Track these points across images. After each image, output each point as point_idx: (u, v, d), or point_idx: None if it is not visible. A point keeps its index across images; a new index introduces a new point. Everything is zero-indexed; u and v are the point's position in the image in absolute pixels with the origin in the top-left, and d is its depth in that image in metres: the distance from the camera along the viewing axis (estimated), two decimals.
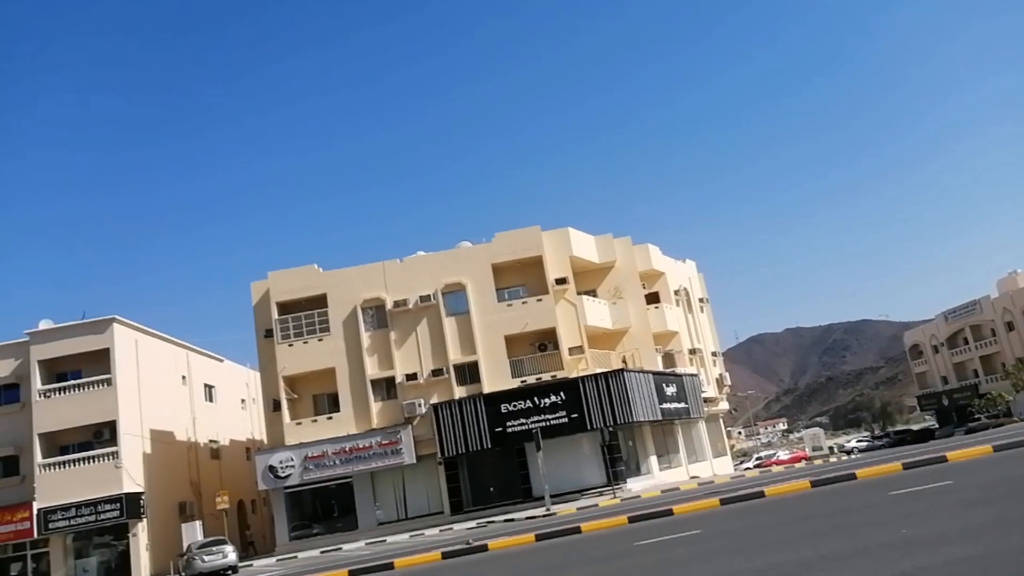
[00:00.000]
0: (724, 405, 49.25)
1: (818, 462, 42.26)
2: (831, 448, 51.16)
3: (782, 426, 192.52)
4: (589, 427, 33.80)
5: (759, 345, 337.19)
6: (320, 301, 36.55)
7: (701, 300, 48.24)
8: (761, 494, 16.83)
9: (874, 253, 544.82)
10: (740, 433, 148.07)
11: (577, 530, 16.96)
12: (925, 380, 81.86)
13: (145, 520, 35.06)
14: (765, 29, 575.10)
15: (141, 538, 34.78)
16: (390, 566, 17.12)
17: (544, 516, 28.20)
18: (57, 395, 35.07)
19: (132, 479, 34.92)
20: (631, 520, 16.86)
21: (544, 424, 33.21)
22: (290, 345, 36.04)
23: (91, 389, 35.07)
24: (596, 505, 29.26)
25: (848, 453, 53.54)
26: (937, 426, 71.03)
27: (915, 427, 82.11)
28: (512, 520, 29.34)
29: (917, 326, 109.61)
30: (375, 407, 35.56)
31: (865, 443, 70.34)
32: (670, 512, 16.61)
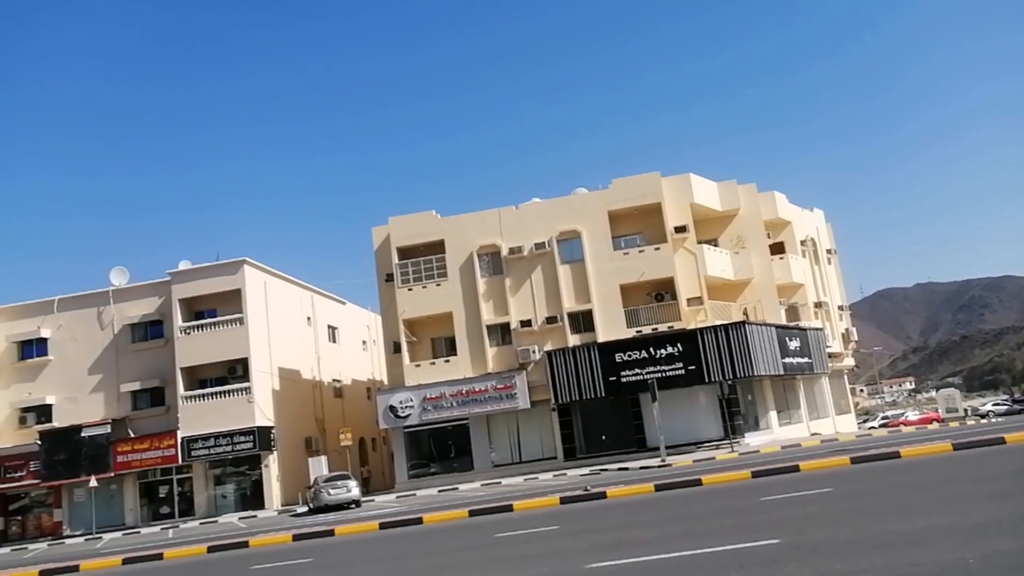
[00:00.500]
0: (849, 361, 47.07)
1: (954, 424, 39.82)
2: (966, 411, 48.12)
3: (909, 385, 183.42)
4: (707, 380, 33.03)
5: (886, 300, 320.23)
6: (438, 247, 37.04)
7: (828, 251, 45.85)
8: (896, 454, 15.87)
9: (1020, 202, 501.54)
10: (863, 391, 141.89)
11: (698, 482, 16.58)
12: None
13: (276, 452, 37.15)
14: None
15: (272, 469, 36.93)
16: (509, 508, 17.30)
17: (659, 467, 27.91)
18: (196, 332, 37.33)
19: (263, 414, 36.97)
20: (755, 475, 16.30)
21: (660, 375, 32.69)
22: (409, 289, 36.82)
23: (225, 327, 37.14)
24: (713, 458, 28.68)
25: (983, 417, 50.16)
26: None
27: None
28: (626, 469, 29.22)
29: None
30: (490, 352, 35.99)
31: (1004, 407, 65.70)
32: (796, 468, 15.96)
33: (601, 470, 30.12)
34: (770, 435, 35.27)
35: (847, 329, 45.20)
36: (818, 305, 41.85)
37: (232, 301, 37.36)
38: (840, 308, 45.37)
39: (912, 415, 56.27)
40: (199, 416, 36.45)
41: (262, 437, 36.28)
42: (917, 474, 12.90)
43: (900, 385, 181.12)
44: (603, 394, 33.93)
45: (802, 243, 42.18)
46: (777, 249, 40.34)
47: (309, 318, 44.09)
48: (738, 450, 30.67)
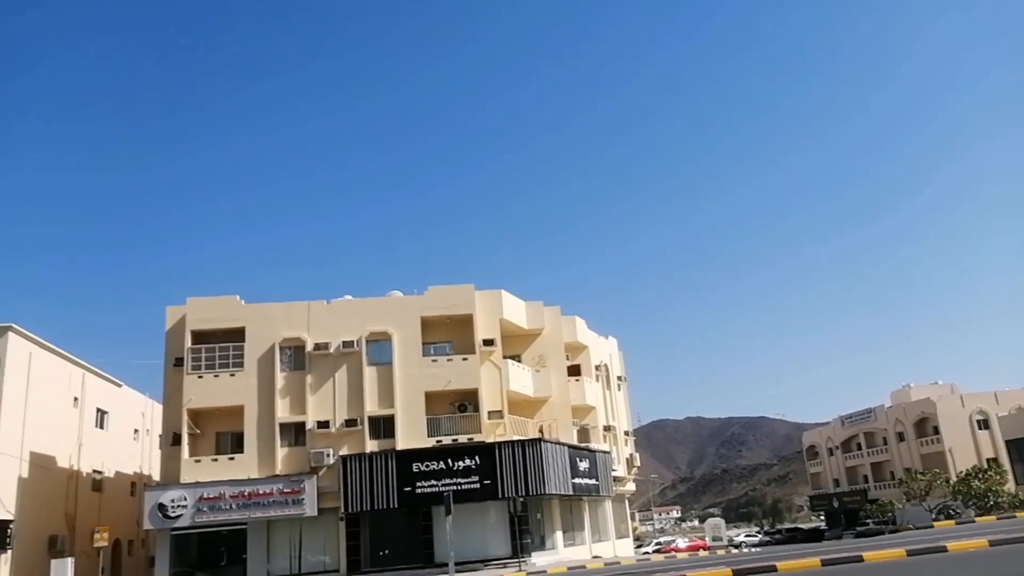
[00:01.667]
0: (631, 486, 49.36)
1: (720, 552, 42.58)
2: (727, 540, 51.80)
3: (676, 514, 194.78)
4: (500, 495, 33.13)
5: (660, 430, 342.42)
6: (238, 334, 35.10)
7: (619, 378, 48.73)
8: None
9: (777, 352, 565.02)
10: (635, 516, 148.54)
11: None
12: (818, 480, 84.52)
13: (10, 551, 32.11)
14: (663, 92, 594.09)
15: (3, 572, 31.74)
16: None
17: None
18: None
19: (2, 505, 32.08)
20: None
21: (455, 488, 32.31)
22: (200, 377, 34.32)
23: None
24: None
25: (736, 547, 54.09)
26: (826, 527, 73.09)
27: (804, 526, 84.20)
28: None
29: (811, 427, 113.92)
30: (281, 452, 34.01)
31: (755, 538, 71.59)
32: None
33: None
34: (555, 555, 35.70)
35: (631, 454, 47.65)
36: (607, 428, 43.93)
37: None
38: (626, 433, 47.91)
39: (682, 542, 59.50)
40: None
41: None
42: None
43: (668, 513, 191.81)
44: (396, 505, 32.91)
45: (596, 368, 44.55)
46: (574, 371, 42.23)
47: (77, 398, 39.56)
48: (525, 569, 30.72)
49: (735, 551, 46.16)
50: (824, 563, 17.26)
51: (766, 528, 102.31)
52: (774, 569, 17.00)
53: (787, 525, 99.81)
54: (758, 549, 48.51)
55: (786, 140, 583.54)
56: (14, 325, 33.90)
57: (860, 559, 17.58)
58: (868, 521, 61.27)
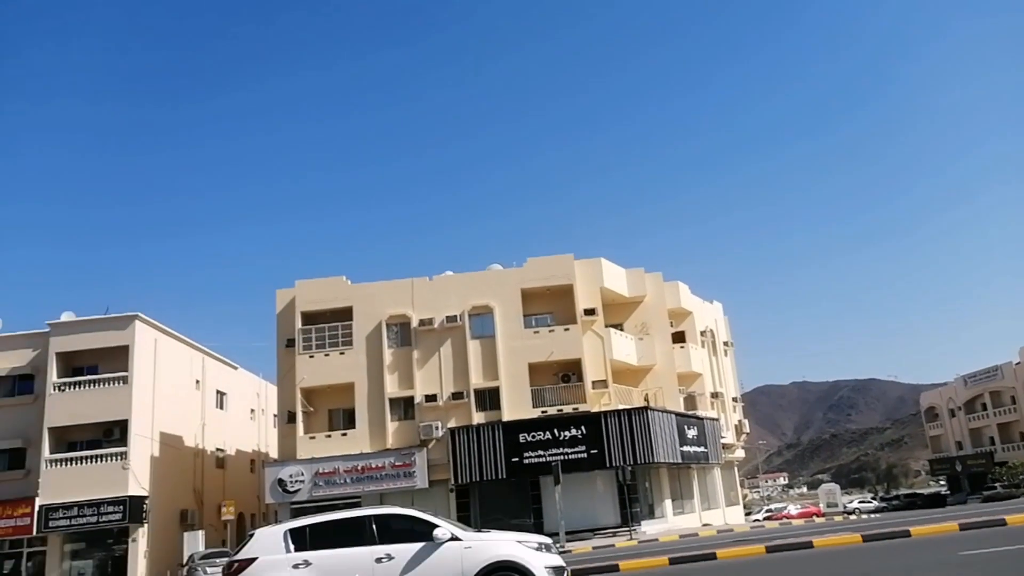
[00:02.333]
0: (740, 453, 48.29)
1: (838, 519, 41.16)
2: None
3: (783, 480, 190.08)
4: (608, 464, 32.97)
5: (765, 396, 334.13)
6: (345, 314, 36.03)
7: (725, 343, 47.51)
8: (809, 544, 16.04)
9: (887, 309, 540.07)
10: (743, 484, 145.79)
11: (615, 568, 16.17)
12: (939, 444, 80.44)
13: (146, 525, 34.24)
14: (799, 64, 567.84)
15: (140, 543, 33.92)
16: None
17: (559, 552, 27.31)
18: (72, 389, 34.50)
19: (138, 482, 34.18)
20: (672, 562, 16.07)
21: (563, 457, 32.38)
22: (311, 356, 35.45)
23: (107, 386, 34.53)
24: (612, 545, 28.36)
25: (850, 513, 52.17)
26: (948, 492, 69.72)
27: (924, 492, 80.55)
28: None
29: (928, 388, 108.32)
30: (391, 426, 34.85)
31: (871, 504, 68.84)
32: (713, 556, 15.84)
33: None
34: (665, 524, 35.31)
35: (740, 421, 46.53)
36: (715, 395, 42.99)
37: (117, 358, 34.86)
38: (734, 400, 46.78)
39: (793, 509, 57.98)
40: (64, 482, 33.28)
41: (133, 508, 33.39)
42: (835, 565, 12.98)
43: (775, 480, 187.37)
44: (504, 475, 33.25)
45: (702, 334, 43.55)
46: (678, 338, 41.43)
47: (198, 381, 41.64)
48: (636, 538, 30.48)
49: (852, 517, 44.50)
50: (962, 527, 16.26)
51: (881, 494, 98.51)
52: (908, 534, 16.15)
53: (904, 491, 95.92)
54: (877, 516, 46.66)
55: (904, 116, 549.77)
56: (140, 314, 35.86)
57: (1003, 522, 16.50)
58: (995, 485, 58.03)
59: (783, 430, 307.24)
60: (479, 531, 11.24)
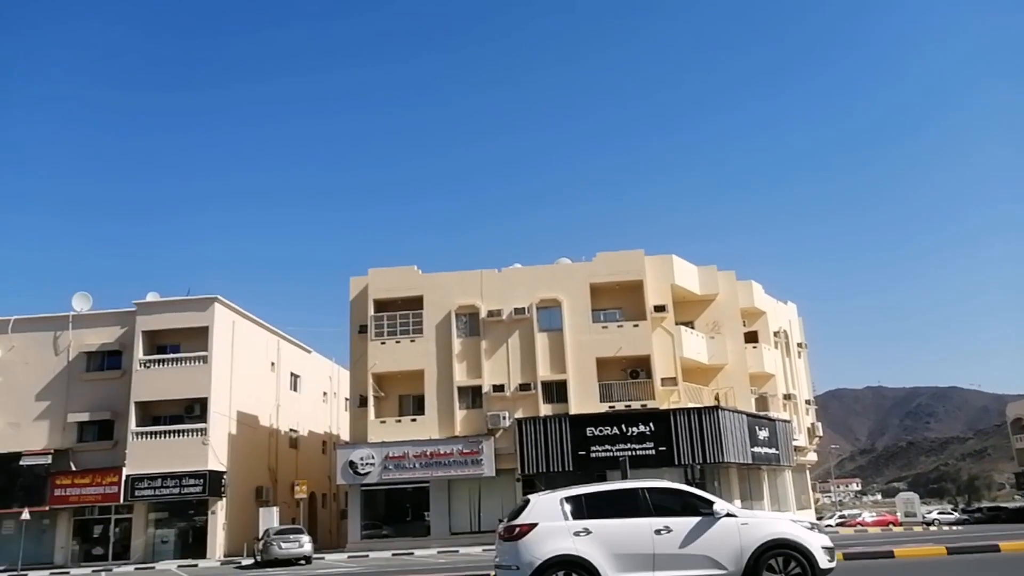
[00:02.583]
0: (812, 456, 47.13)
1: (918, 529, 39.75)
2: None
3: (856, 487, 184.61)
4: (676, 462, 32.58)
5: (837, 400, 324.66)
6: (416, 302, 36.57)
7: (799, 345, 46.38)
8: (890, 554, 15.54)
9: (970, 317, 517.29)
10: (815, 487, 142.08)
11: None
12: None
13: (225, 499, 35.57)
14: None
15: (219, 516, 35.26)
16: None
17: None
18: (156, 366, 36.04)
19: (217, 457, 35.49)
20: None
21: (630, 453, 32.14)
22: (383, 343, 36.12)
23: (188, 364, 35.93)
24: None
25: (929, 524, 50.20)
26: None
27: (1009, 505, 76.92)
28: None
29: (1014, 399, 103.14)
30: (459, 414, 35.24)
31: (951, 516, 65.97)
32: None
33: None
34: None
35: (813, 424, 45.39)
36: (787, 397, 42.04)
37: (198, 338, 36.25)
38: (807, 402, 45.65)
39: (868, 516, 56.18)
40: (148, 454, 34.84)
41: (213, 482, 34.72)
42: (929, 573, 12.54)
43: (847, 485, 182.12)
44: (571, 468, 33.22)
45: (775, 334, 42.60)
46: (751, 338, 40.63)
47: (273, 363, 42.94)
48: None
49: (932, 529, 42.88)
50: None
51: (962, 506, 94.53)
52: (997, 549, 15.47)
53: (987, 504, 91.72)
54: (959, 528, 44.84)
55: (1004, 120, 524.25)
56: (220, 296, 37.17)
57: None
58: None
59: (856, 435, 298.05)
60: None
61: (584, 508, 10.31)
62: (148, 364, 36.05)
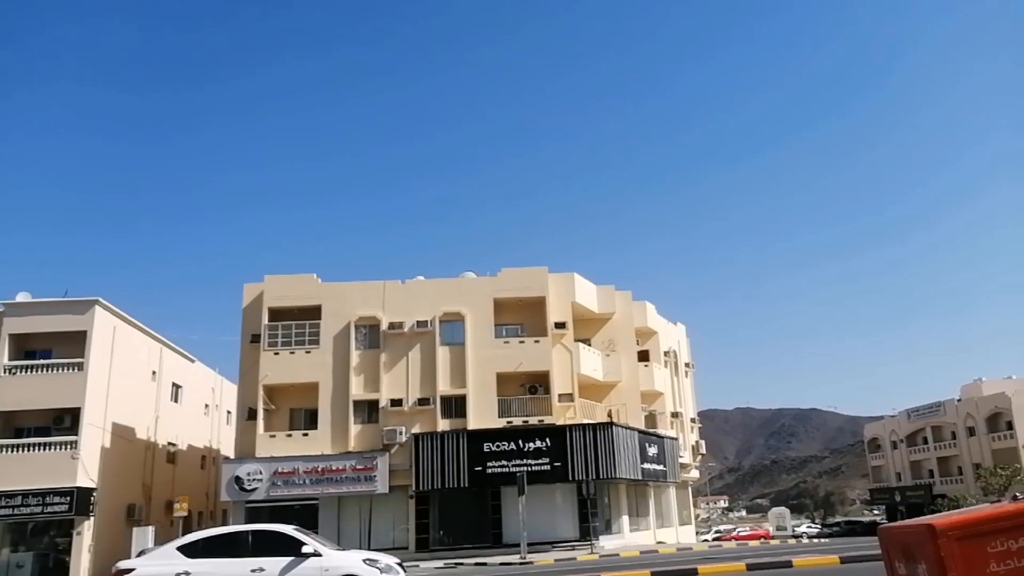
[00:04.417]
0: (695, 473, 48.84)
1: (791, 542, 41.85)
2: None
3: (723, 503, 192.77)
4: (570, 478, 33.01)
5: (709, 420, 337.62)
6: (314, 312, 35.47)
7: (687, 364, 48.11)
8: (788, 563, 16.28)
9: (830, 345, 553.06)
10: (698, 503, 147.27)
11: None
12: (879, 474, 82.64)
13: (92, 519, 33.10)
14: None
15: (85, 537, 32.76)
16: None
17: (520, 564, 27.23)
18: (23, 373, 33.24)
19: (87, 473, 33.05)
20: (654, 575, 16.12)
21: (527, 469, 32.30)
22: (276, 353, 34.80)
23: (60, 372, 33.35)
24: (574, 558, 28.40)
25: (796, 537, 53.23)
26: (886, 520, 71.56)
27: (863, 519, 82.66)
28: (484, 564, 28.25)
29: (866, 420, 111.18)
30: (354, 429, 34.35)
31: (815, 529, 70.66)
32: (695, 572, 15.94)
33: (456, 563, 28.94)
34: (621, 539, 35.49)
35: (697, 441, 47.10)
36: (674, 415, 43.46)
37: (73, 343, 33.71)
38: (692, 420, 47.35)
39: (742, 530, 58.79)
40: (8, 468, 31.95)
41: (80, 499, 32.25)
42: None
43: (716, 503, 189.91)
44: (466, 484, 33.03)
45: (665, 354, 44.03)
46: (643, 356, 41.81)
47: (155, 372, 40.52)
48: (596, 552, 30.56)
49: (804, 541, 45.29)
50: None
51: (819, 521, 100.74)
52: (790, 565, 16.41)
53: (840, 518, 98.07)
54: (823, 540, 47.57)
55: (872, 130, 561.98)
56: (100, 299, 34.79)
57: None
58: None
59: (725, 454, 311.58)
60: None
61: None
62: (13, 371, 33.21)
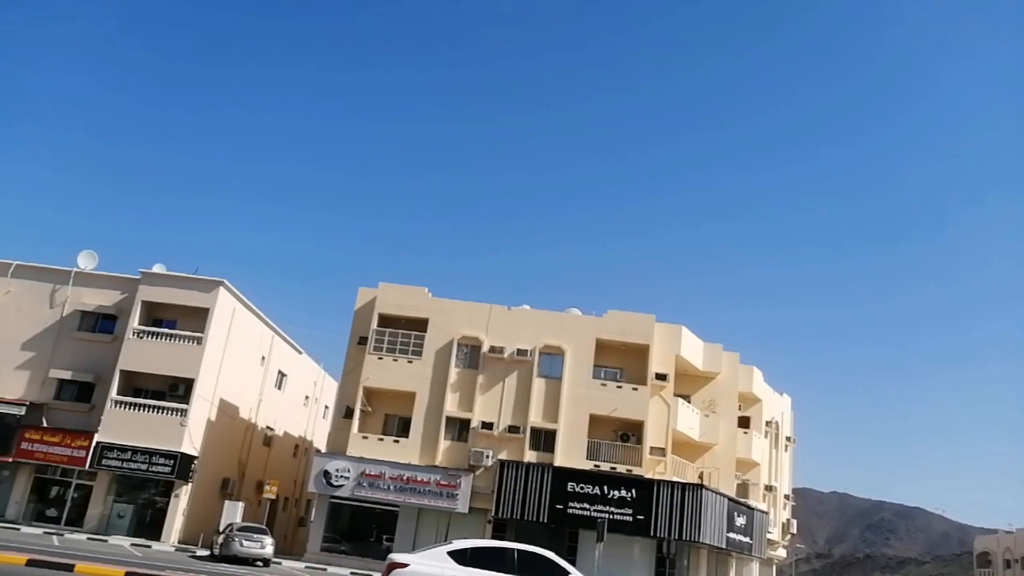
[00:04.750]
0: (782, 552, 46.56)
1: None
2: None
3: None
4: (652, 533, 32.15)
5: (802, 499, 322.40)
6: (421, 324, 36.27)
7: (788, 439, 46.12)
8: None
9: (944, 444, 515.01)
10: None
11: None
12: None
13: (190, 484, 34.81)
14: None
15: (182, 500, 34.49)
16: None
17: None
18: (149, 338, 35.50)
19: (191, 441, 34.83)
20: None
21: (608, 516, 31.66)
22: (380, 358, 35.73)
23: (181, 342, 35.43)
24: None
25: None
26: None
27: None
28: None
29: (976, 530, 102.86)
30: (443, 444, 34.73)
31: None
32: None
33: None
34: None
35: (788, 519, 44.93)
36: (768, 488, 41.68)
37: (196, 318, 35.80)
38: (786, 496, 45.25)
39: None
40: (124, 424, 34.16)
41: (183, 465, 34.02)
42: None
43: None
44: (545, 519, 32.71)
45: (767, 423, 42.40)
46: (743, 422, 40.41)
47: (264, 358, 42.42)
48: None
49: None
50: None
51: None
52: None
53: None
54: None
55: None
56: (225, 281, 36.82)
57: None
58: None
59: (815, 538, 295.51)
60: None
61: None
62: (141, 335, 35.54)
